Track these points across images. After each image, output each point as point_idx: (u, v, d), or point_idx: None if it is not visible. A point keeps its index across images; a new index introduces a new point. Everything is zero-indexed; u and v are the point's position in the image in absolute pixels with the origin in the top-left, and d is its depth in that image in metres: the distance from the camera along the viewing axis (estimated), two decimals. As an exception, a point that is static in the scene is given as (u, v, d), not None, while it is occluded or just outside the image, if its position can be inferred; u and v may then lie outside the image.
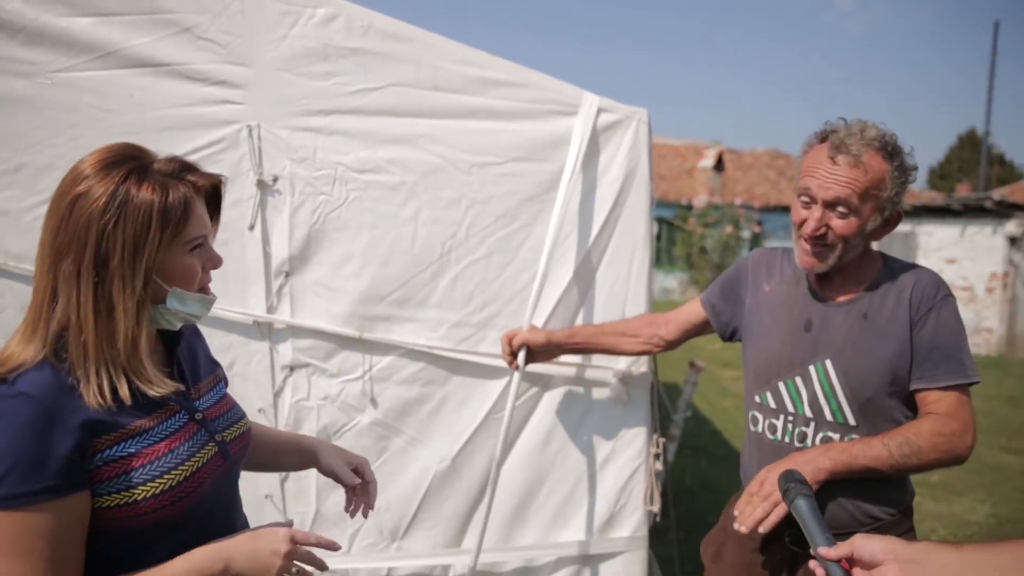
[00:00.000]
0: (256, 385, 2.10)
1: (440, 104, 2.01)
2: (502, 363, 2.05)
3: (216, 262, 1.13)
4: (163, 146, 1.93)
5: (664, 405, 4.86)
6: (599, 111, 2.06)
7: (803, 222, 1.52)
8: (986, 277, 11.27)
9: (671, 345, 1.92)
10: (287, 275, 2.06)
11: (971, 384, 1.47)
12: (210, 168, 1.95)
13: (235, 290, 2.06)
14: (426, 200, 2.06)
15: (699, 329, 1.87)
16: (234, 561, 1.02)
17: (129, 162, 1.04)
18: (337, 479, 1.32)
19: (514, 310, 2.06)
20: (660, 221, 19.40)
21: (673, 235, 19.07)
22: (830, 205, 1.48)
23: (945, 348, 1.47)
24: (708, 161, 20.50)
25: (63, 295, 1.01)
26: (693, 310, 1.86)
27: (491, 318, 2.10)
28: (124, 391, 1.02)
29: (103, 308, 1.01)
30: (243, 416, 1.26)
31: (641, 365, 2.16)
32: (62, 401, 0.98)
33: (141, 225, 1.01)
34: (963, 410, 1.46)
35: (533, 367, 2.04)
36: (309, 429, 2.10)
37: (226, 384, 1.32)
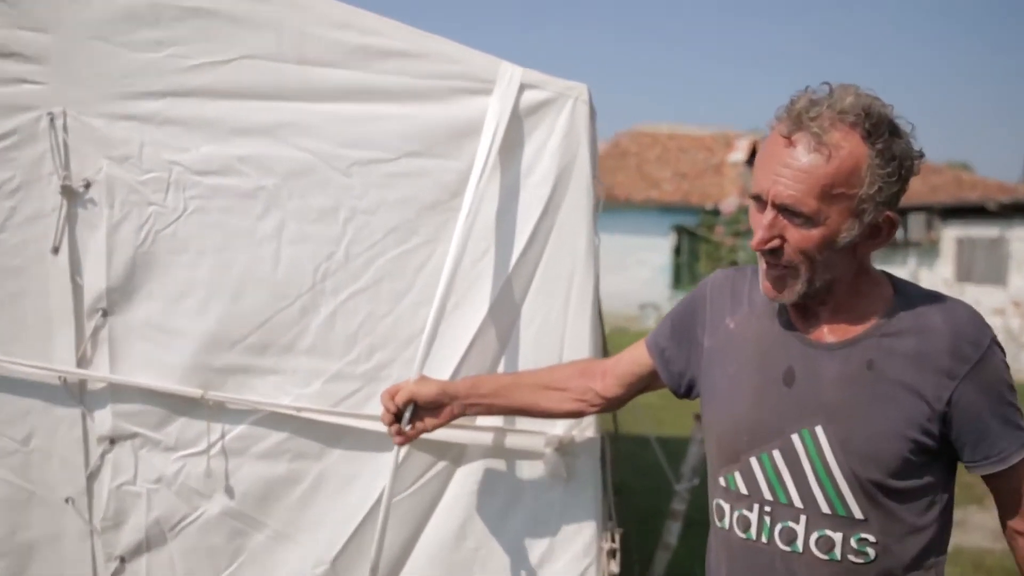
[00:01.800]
0: (63, 465, 2.05)
1: (309, 82, 2.00)
2: (399, 429, 2.00)
3: None
4: None
5: (664, 472, 4.82)
6: (522, 88, 2.04)
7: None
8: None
9: (611, 403, 1.88)
10: (105, 314, 2.03)
11: None
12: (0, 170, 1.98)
13: (34, 336, 2.02)
14: (292, 211, 2.04)
15: (646, 382, 1.83)
16: None
17: None
18: None
19: (413, 357, 2.01)
20: (680, 230, 19.58)
21: (696, 247, 19.27)
22: (784, 208, 1.41)
23: (1005, 414, 1.44)
24: (740, 154, 20.72)
25: None
26: (637, 356, 1.82)
27: (381, 368, 2.08)
28: None
29: None
30: None
31: (587, 428, 2.12)
32: None
33: None
34: None
35: (438, 433, 1.99)
36: (135, 523, 2.06)
37: None
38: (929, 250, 14.68)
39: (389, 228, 2.06)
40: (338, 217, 2.05)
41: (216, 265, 2.03)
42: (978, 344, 1.42)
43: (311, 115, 2.02)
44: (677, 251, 19.88)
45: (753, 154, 19.88)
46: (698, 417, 4.40)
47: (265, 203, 2.03)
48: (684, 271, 19.59)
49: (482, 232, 2.06)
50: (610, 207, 19.06)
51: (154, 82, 1.98)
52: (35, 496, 2.05)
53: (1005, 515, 1.53)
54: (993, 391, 1.43)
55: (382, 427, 1.93)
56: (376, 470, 2.08)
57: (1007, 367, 1.46)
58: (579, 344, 2.11)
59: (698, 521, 5.06)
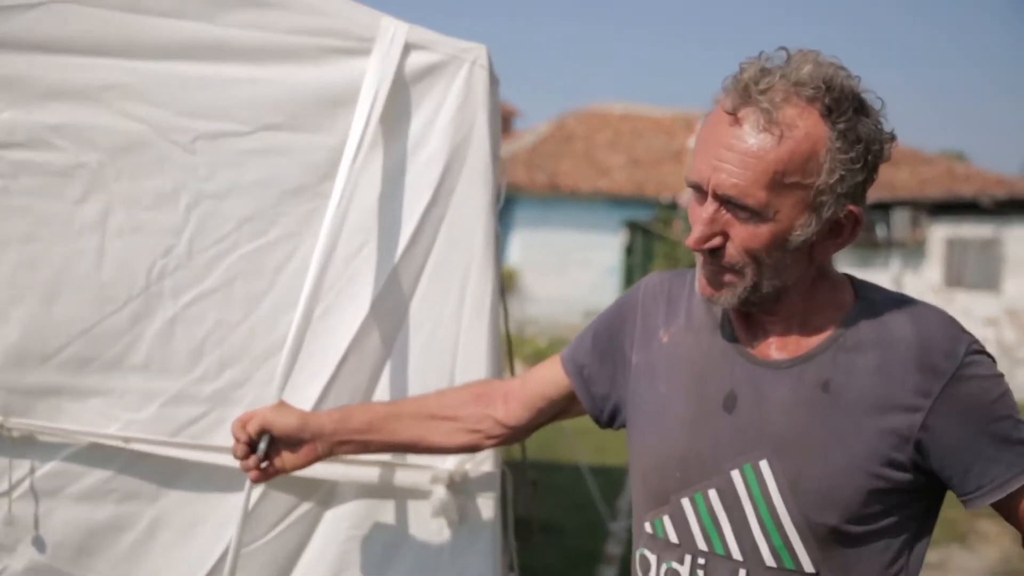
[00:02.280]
0: None
1: (142, 35, 1.96)
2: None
3: None
4: None
5: (595, 509, 4.83)
6: (407, 48, 2.03)
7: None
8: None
9: (515, 433, 1.85)
10: None
11: None
12: None
13: None
14: (120, 194, 2.00)
15: (560, 406, 1.79)
16: None
17: None
18: None
19: (272, 375, 1.98)
20: (633, 226, 19.82)
21: (651, 245, 19.54)
22: (727, 200, 1.39)
23: (998, 431, 1.41)
24: (703, 138, 20.90)
25: None
26: (550, 376, 1.79)
27: (233, 388, 2.05)
28: None
29: None
30: None
31: (483, 461, 2.11)
32: None
33: None
34: None
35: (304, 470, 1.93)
36: None
37: None
38: (915, 251, 15.05)
39: (243, 217, 2.02)
40: (179, 203, 2.01)
41: (21, 261, 1.97)
42: (952, 355, 1.40)
43: (145, 76, 1.98)
44: (629, 250, 20.11)
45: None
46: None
47: (85, 184, 1.98)
48: (637, 273, 19.76)
49: (358, 223, 2.04)
50: (553, 199, 19.23)
51: None
52: None
53: None
54: (977, 408, 1.40)
55: (233, 461, 1.86)
56: (225, 514, 2.04)
57: (997, 377, 1.43)
58: (475, 359, 2.11)
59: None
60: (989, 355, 1.44)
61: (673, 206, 18.73)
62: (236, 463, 1.86)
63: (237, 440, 1.82)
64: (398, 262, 2.06)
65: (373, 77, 2.00)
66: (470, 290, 2.10)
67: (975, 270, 13.71)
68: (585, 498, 4.93)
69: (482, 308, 2.10)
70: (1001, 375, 1.43)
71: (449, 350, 2.10)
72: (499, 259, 2.15)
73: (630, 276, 19.81)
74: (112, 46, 1.95)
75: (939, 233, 14.37)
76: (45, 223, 1.97)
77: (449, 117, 2.06)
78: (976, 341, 1.43)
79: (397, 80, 2.01)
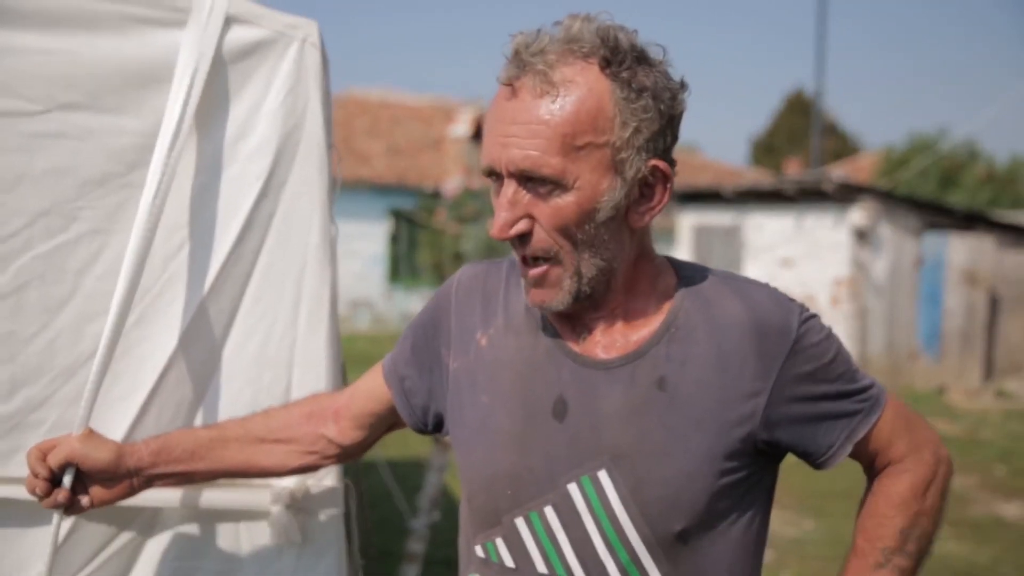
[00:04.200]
0: None
1: None
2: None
3: None
4: None
5: (393, 504, 4.72)
6: (228, 22, 1.90)
7: None
8: (829, 283, 12.66)
9: (351, 451, 1.77)
10: None
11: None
12: None
13: None
14: None
15: (389, 420, 1.71)
16: None
17: None
18: None
19: (77, 394, 1.82)
20: (397, 215, 19.81)
21: (415, 235, 19.79)
22: (524, 176, 1.33)
23: (838, 389, 1.44)
24: (463, 128, 21.42)
25: None
26: (373, 389, 1.70)
27: (29, 411, 1.88)
28: None
29: None
30: None
31: (326, 476, 2.02)
32: None
33: None
34: (908, 423, 1.50)
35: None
36: None
37: None
38: (666, 237, 15.83)
39: (37, 212, 1.85)
40: None
41: None
42: (786, 330, 1.40)
43: None
44: (394, 239, 20.33)
45: (479, 129, 20.51)
46: (437, 440, 4.34)
47: None
48: (403, 262, 20.07)
49: (175, 219, 1.91)
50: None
51: None
52: None
53: (872, 477, 1.56)
54: (816, 374, 1.41)
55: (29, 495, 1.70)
56: (25, 554, 1.89)
57: (828, 338, 1.45)
58: (314, 370, 2.02)
59: (440, 561, 5.06)
60: (815, 315, 1.46)
61: (436, 195, 18.88)
62: (31, 497, 1.68)
63: (35, 474, 1.65)
64: (224, 263, 1.94)
65: (190, 53, 1.85)
66: (305, 293, 2.01)
67: (720, 255, 14.56)
68: (379, 494, 4.82)
69: (319, 313, 2.01)
70: (830, 331, 1.47)
71: (284, 360, 2.01)
72: (335, 258, 2.06)
73: (395, 266, 19.99)
74: None
75: (687, 221, 15.15)
76: None
77: (278, 101, 1.95)
78: (804, 307, 1.46)
79: (217, 57, 1.88)
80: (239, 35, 1.91)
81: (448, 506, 5.00)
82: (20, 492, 1.75)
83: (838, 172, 21.91)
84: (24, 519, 1.86)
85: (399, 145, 21.43)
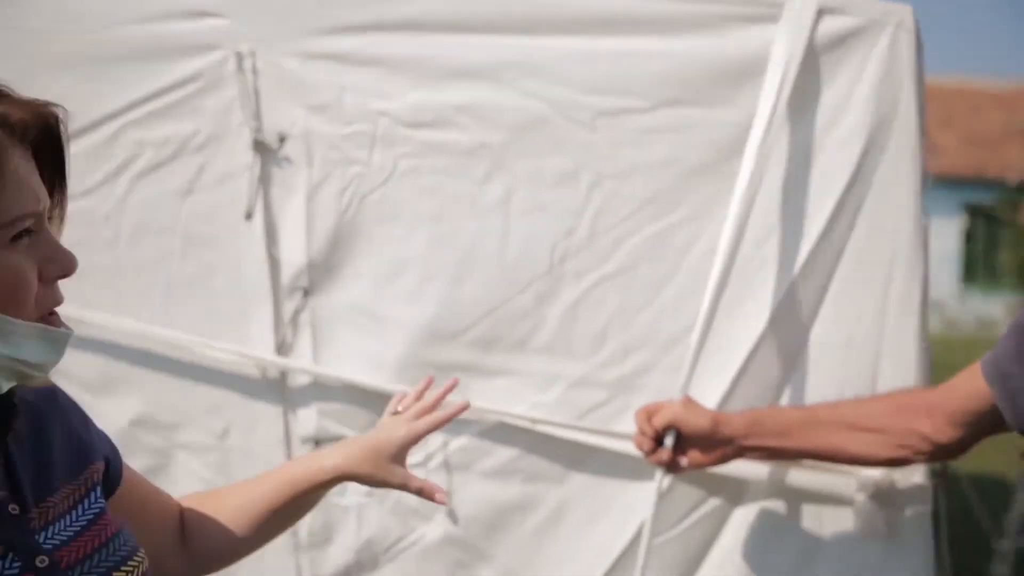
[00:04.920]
0: (264, 467, 2.07)
1: (541, 10, 1.96)
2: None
3: (65, 265, 1.02)
4: (106, 87, 1.98)
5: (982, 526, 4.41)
6: (820, 13, 1.93)
7: None
8: None
9: (945, 451, 1.76)
10: (305, 294, 2.06)
11: None
12: (183, 122, 2.01)
13: (228, 316, 2.06)
14: (522, 174, 2.01)
15: (990, 421, 1.64)
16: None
17: None
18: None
19: (676, 363, 1.95)
20: (973, 211, 18.51)
21: (995, 233, 18.17)
22: None
23: None
24: (1056, 113, 19.09)
25: None
26: (972, 388, 1.64)
27: (637, 375, 2.02)
28: None
29: None
30: (130, 554, 1.14)
31: (914, 471, 1.98)
32: None
33: None
34: None
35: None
36: (345, 542, 2.07)
37: (112, 485, 1.21)
38: None
39: (644, 198, 1.99)
40: (579, 183, 2.00)
41: (433, 239, 2.03)
42: None
43: (543, 53, 1.98)
44: (969, 237, 18.88)
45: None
46: (1025, 455, 4.05)
47: (489, 164, 2.01)
48: (979, 263, 18.52)
49: (767, 206, 1.96)
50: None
51: (355, 12, 1.97)
52: (221, 486, 2.10)
53: None
54: None
55: (637, 450, 1.90)
56: (628, 504, 2.02)
57: None
58: (902, 364, 1.97)
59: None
60: None
61: (1021, 189, 17.30)
62: (637, 453, 1.88)
63: (642, 433, 1.84)
64: (813, 248, 1.97)
65: (783, 46, 1.91)
66: (896, 283, 1.97)
67: None
68: (958, 509, 4.55)
69: (910, 305, 1.97)
70: None
71: (871, 351, 1.98)
72: (927, 252, 2.00)
73: (971, 266, 18.56)
74: (514, 22, 1.96)
75: None
76: (451, 201, 2.01)
77: (870, 89, 1.94)
78: None
79: (809, 49, 1.92)
80: (831, 25, 1.93)
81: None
82: (628, 447, 1.95)
83: None
84: (630, 471, 2.00)
85: (977, 135, 19.86)
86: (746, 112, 1.92)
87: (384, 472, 1.39)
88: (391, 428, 1.43)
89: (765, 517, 2.02)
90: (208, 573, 1.59)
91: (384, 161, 2.01)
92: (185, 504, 1.40)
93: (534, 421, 2.01)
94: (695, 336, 1.86)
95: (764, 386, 1.99)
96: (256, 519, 1.38)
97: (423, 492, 1.40)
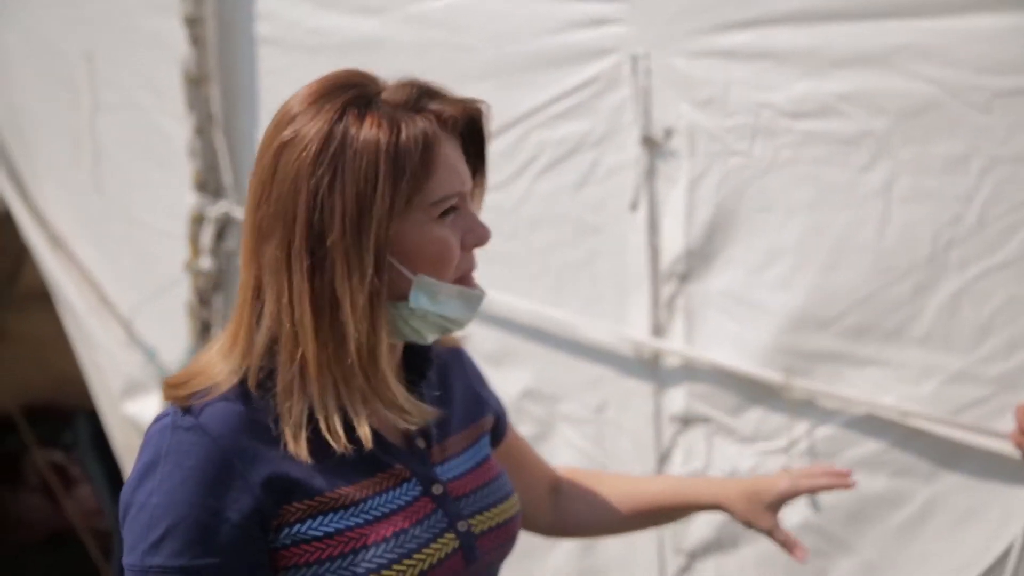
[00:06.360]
0: (634, 442, 2.20)
1: None
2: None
3: (481, 236, 1.18)
4: (519, 93, 2.22)
5: None
6: None
7: None
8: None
9: None
10: (681, 280, 2.13)
11: None
12: (580, 121, 2.17)
13: (608, 299, 2.18)
14: (907, 161, 1.93)
15: None
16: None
17: (346, 92, 1.12)
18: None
19: None
20: None
21: None
22: None
23: None
24: None
25: (270, 292, 1.11)
26: None
27: (1021, 372, 1.90)
28: (364, 430, 1.11)
29: (324, 306, 1.08)
30: (506, 496, 1.31)
31: None
32: (245, 443, 1.10)
33: (365, 179, 1.06)
34: None
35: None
36: (707, 518, 2.11)
37: (498, 438, 1.40)
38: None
39: None
40: (970, 168, 1.89)
41: (807, 228, 2.01)
42: None
43: (939, 35, 1.87)
44: None
45: None
46: None
47: (871, 151, 1.95)
48: None
49: None
50: None
51: (742, 9, 1.99)
52: (607, 470, 2.23)
53: None
54: None
55: (1015, 452, 1.77)
56: (1006, 509, 1.91)
57: None
58: None
59: None
60: None
61: None
62: (1018, 454, 1.76)
63: (1022, 431, 1.71)
64: None
65: None
66: None
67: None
68: None
69: None
70: None
71: None
72: None
73: None
74: (901, 7, 1.89)
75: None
76: (829, 190, 1.98)
77: None
78: None
79: None
80: None
81: None
82: (1007, 447, 1.83)
83: None
84: (1010, 474, 1.90)
85: None
86: None
87: (756, 516, 1.53)
88: (775, 479, 1.56)
89: None
90: (569, 536, 1.79)
91: (764, 152, 2.02)
92: (566, 474, 1.59)
93: (905, 414, 1.95)
94: None
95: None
96: (637, 508, 1.56)
97: (786, 544, 1.53)
